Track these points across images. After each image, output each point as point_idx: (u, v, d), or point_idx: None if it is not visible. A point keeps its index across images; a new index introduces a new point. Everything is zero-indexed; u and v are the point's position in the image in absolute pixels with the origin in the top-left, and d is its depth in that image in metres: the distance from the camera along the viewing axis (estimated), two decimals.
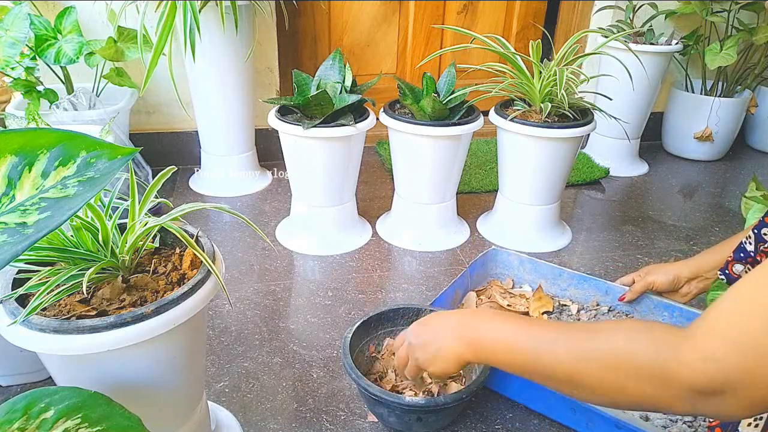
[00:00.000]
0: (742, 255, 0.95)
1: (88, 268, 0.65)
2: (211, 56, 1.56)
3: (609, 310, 1.19)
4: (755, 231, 0.92)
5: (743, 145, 2.28)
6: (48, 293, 0.63)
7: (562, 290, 1.25)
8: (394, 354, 1.04)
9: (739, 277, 0.96)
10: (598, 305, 1.21)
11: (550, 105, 1.35)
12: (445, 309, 1.10)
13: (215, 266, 0.71)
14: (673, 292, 1.11)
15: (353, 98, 1.33)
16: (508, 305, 1.19)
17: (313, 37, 2.02)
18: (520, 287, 1.29)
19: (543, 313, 1.19)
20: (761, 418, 0.68)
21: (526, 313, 1.20)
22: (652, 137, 2.19)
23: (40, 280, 0.67)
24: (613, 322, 0.61)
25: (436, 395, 0.96)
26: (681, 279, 1.08)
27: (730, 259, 0.98)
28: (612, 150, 2.01)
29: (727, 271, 0.99)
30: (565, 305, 1.22)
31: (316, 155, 1.35)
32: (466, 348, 0.72)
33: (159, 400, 0.72)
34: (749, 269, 0.93)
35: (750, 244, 0.93)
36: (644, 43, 1.85)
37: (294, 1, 1.81)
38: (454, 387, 0.99)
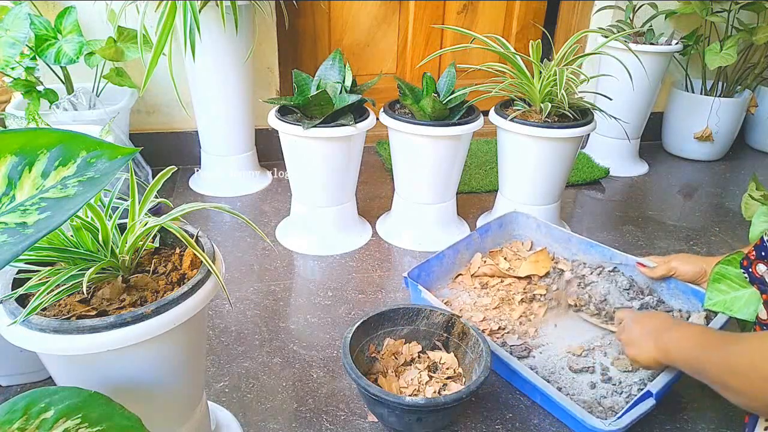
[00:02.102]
0: (763, 254, 0.94)
1: (88, 268, 0.65)
2: (211, 56, 1.56)
3: (598, 274, 1.25)
4: None
5: (743, 145, 2.28)
6: (48, 293, 0.63)
7: (573, 254, 1.31)
8: (394, 354, 1.04)
9: (762, 278, 0.94)
10: (600, 272, 1.26)
11: (550, 105, 1.35)
12: (442, 267, 1.24)
13: (215, 266, 0.71)
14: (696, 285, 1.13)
15: (353, 98, 1.33)
16: (508, 268, 1.27)
17: (313, 37, 2.02)
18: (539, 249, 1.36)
19: (526, 277, 1.26)
20: None
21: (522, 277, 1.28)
22: (652, 137, 2.19)
23: (40, 280, 0.67)
24: None
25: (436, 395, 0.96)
26: (706, 273, 1.08)
27: (752, 257, 0.96)
28: (612, 150, 2.01)
29: (750, 270, 0.97)
30: (563, 270, 1.28)
31: (316, 155, 1.35)
32: (660, 353, 0.90)
33: (159, 400, 0.72)
34: None
35: None
36: (644, 43, 1.85)
37: (294, 1, 1.81)
38: (454, 387, 0.99)
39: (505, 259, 1.31)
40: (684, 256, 1.15)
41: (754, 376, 0.69)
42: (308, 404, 1.01)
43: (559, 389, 0.99)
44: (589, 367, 1.05)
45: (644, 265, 1.19)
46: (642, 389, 0.95)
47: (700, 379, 0.81)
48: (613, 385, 1.01)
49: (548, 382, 0.99)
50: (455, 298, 1.23)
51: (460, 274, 1.29)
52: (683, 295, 1.16)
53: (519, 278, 1.26)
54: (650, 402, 0.89)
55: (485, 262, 1.29)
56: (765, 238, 0.93)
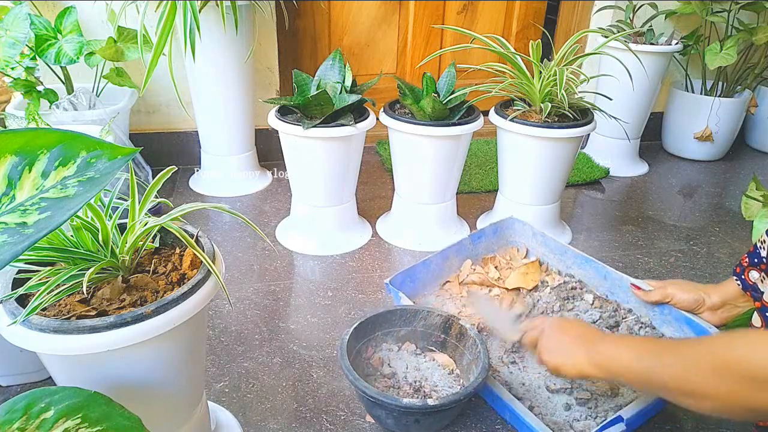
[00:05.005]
0: (756, 260, 0.93)
1: (88, 268, 0.65)
2: (211, 56, 1.56)
3: (594, 299, 1.21)
4: None
5: (743, 145, 2.28)
6: (48, 293, 0.63)
7: (568, 267, 1.28)
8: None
9: (755, 285, 0.94)
10: (580, 297, 1.23)
11: (550, 105, 1.35)
12: (429, 274, 1.21)
13: (215, 266, 0.71)
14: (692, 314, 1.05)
15: (353, 98, 1.33)
16: (498, 278, 1.25)
17: (313, 37, 2.02)
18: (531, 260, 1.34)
19: (514, 289, 1.23)
20: None
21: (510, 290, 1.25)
22: (652, 137, 2.19)
23: (40, 280, 0.67)
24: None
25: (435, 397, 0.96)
26: (704, 303, 1.02)
27: (745, 264, 0.96)
28: (612, 150, 2.01)
29: (743, 277, 0.97)
30: (546, 282, 1.26)
31: (316, 155, 1.35)
32: (591, 366, 0.82)
33: (159, 400, 0.72)
34: (765, 277, 0.90)
35: (764, 249, 0.90)
36: (644, 43, 1.85)
37: (294, 1, 1.81)
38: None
39: (495, 268, 1.28)
40: (681, 283, 1.07)
41: (736, 374, 0.61)
42: (308, 404, 1.01)
43: (531, 408, 0.95)
44: (566, 388, 1.00)
45: (639, 288, 1.11)
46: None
47: (649, 389, 0.77)
48: (588, 408, 0.97)
49: (520, 399, 0.95)
50: (440, 306, 1.21)
51: (449, 281, 1.26)
52: (675, 323, 1.07)
53: (507, 289, 1.23)
54: (620, 427, 0.86)
55: (474, 270, 1.26)
56: (757, 245, 0.93)
